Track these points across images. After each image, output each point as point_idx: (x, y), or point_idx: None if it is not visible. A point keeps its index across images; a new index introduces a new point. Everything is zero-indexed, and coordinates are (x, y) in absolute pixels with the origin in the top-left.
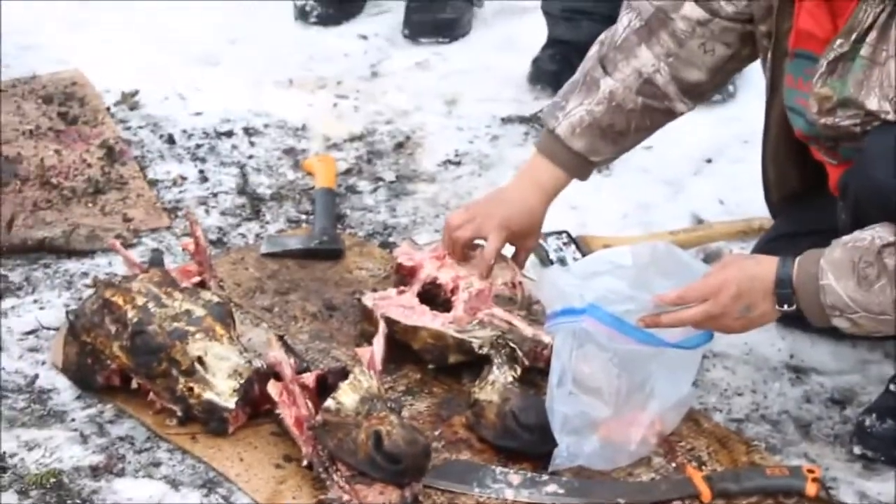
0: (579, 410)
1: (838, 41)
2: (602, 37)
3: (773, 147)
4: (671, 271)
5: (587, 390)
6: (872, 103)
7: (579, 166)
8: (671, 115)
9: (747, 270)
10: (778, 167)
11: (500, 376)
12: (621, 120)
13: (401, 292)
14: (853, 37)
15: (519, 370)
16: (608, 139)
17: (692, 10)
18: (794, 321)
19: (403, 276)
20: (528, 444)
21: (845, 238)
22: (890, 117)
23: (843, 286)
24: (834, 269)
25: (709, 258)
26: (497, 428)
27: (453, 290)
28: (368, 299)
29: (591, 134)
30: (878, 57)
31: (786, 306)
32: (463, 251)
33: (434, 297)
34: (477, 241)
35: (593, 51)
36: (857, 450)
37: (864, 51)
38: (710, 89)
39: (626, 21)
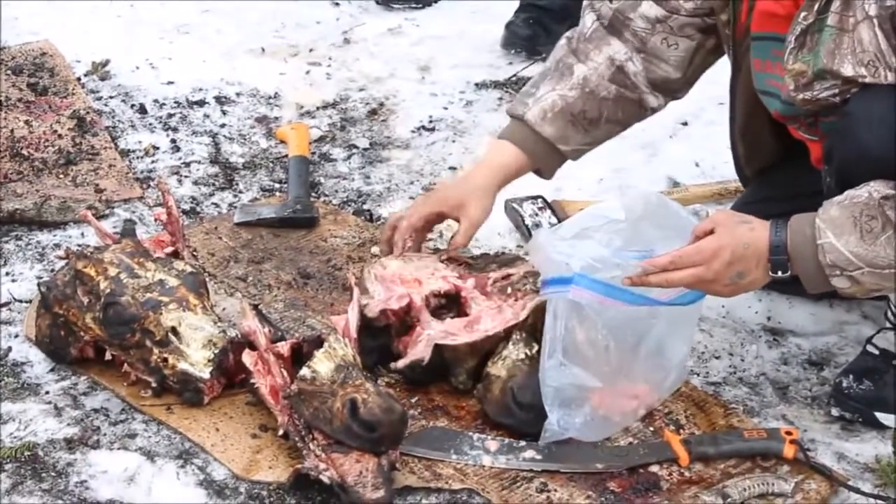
0: (569, 382)
1: (802, 14)
2: (569, 34)
3: (741, 127)
4: (664, 223)
5: (578, 361)
6: (848, 70)
7: (546, 155)
8: (642, 108)
9: (741, 237)
10: (748, 146)
11: (514, 352)
12: (594, 107)
13: (414, 333)
14: (816, 7)
15: (536, 348)
16: (579, 127)
17: (649, 9)
18: (772, 283)
19: (400, 320)
20: (524, 423)
21: (838, 198)
22: (868, 80)
23: (845, 242)
24: (833, 226)
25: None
26: (498, 403)
27: (462, 301)
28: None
29: (563, 119)
30: (846, 24)
31: (779, 273)
32: (419, 237)
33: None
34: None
35: (562, 44)
36: (834, 411)
37: (831, 20)
38: (682, 86)
39: (590, 20)
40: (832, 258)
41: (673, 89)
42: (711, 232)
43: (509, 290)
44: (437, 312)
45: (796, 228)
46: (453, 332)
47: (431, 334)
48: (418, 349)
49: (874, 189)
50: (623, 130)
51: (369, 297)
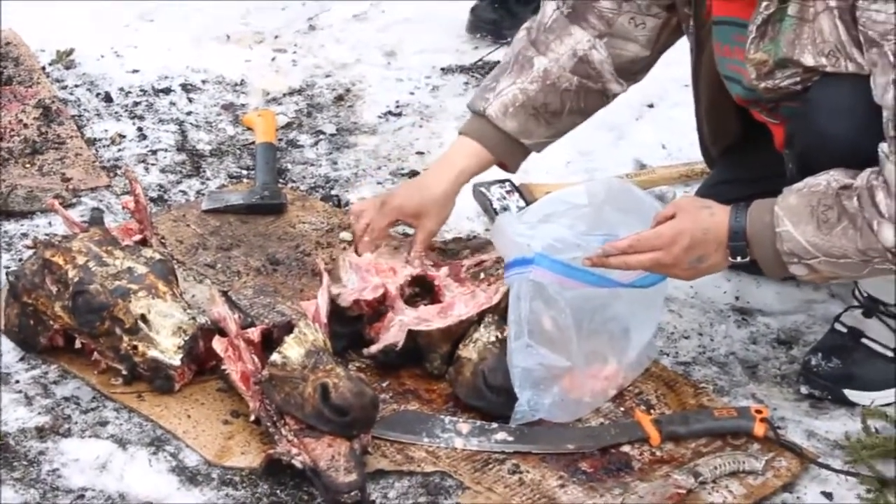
0: (537, 363)
1: (763, 3)
2: (528, 24)
3: (706, 108)
4: (627, 207)
5: (544, 342)
6: (808, 60)
7: (509, 149)
8: (605, 97)
9: (701, 223)
10: (713, 126)
11: (485, 335)
12: (555, 100)
13: (386, 318)
14: None
15: (507, 331)
16: (541, 120)
17: None
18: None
19: (373, 310)
20: (495, 406)
21: (798, 185)
22: (828, 70)
23: (802, 231)
24: (791, 215)
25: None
26: (469, 386)
27: (436, 289)
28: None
29: (525, 114)
30: (807, 14)
31: (739, 258)
32: (377, 238)
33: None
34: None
35: (521, 35)
36: (803, 389)
37: (792, 10)
38: (646, 65)
39: (550, 9)
40: (790, 246)
41: (637, 70)
42: (673, 217)
43: (482, 275)
44: (412, 301)
45: (756, 215)
46: (427, 318)
47: (404, 320)
48: (391, 334)
49: (833, 178)
50: (585, 120)
51: (342, 286)
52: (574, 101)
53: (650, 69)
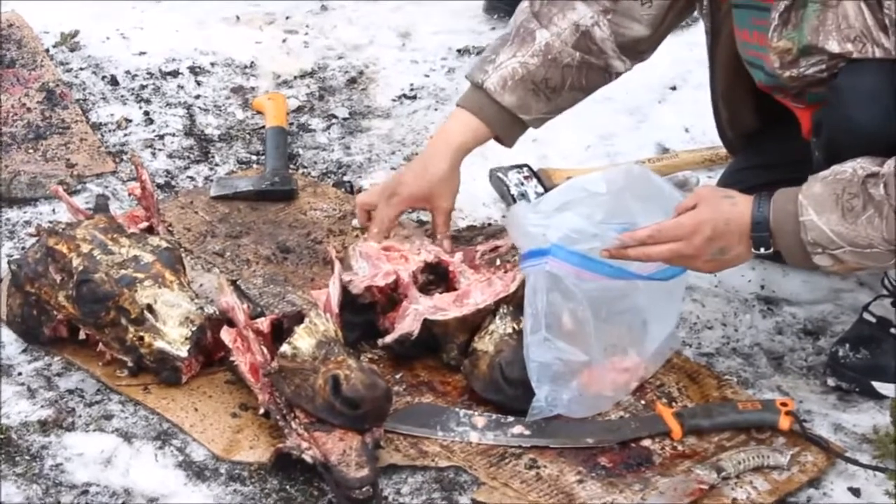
0: (555, 357)
1: None
2: None
3: (723, 91)
4: (646, 195)
5: (562, 335)
6: (833, 46)
7: (506, 124)
8: (608, 74)
9: (723, 213)
10: (730, 109)
11: (501, 326)
12: (556, 75)
13: (401, 307)
14: None
15: (522, 323)
16: (541, 95)
17: None
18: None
19: (386, 297)
20: (512, 400)
21: (823, 173)
22: (855, 56)
23: (826, 220)
24: (815, 204)
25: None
26: (486, 379)
27: (451, 276)
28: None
29: (524, 88)
30: (830, 0)
31: (762, 249)
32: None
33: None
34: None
35: (524, 6)
36: (830, 381)
37: None
38: (650, 46)
39: None
40: (814, 236)
41: (641, 50)
42: (694, 207)
43: (498, 262)
44: (426, 288)
45: (780, 204)
46: (442, 306)
47: (419, 309)
48: (406, 323)
49: (859, 166)
50: (586, 97)
51: (353, 274)
52: (575, 77)
53: (656, 49)
